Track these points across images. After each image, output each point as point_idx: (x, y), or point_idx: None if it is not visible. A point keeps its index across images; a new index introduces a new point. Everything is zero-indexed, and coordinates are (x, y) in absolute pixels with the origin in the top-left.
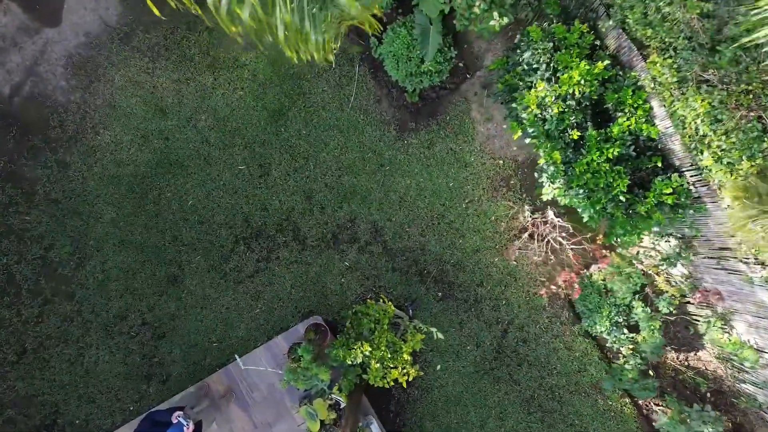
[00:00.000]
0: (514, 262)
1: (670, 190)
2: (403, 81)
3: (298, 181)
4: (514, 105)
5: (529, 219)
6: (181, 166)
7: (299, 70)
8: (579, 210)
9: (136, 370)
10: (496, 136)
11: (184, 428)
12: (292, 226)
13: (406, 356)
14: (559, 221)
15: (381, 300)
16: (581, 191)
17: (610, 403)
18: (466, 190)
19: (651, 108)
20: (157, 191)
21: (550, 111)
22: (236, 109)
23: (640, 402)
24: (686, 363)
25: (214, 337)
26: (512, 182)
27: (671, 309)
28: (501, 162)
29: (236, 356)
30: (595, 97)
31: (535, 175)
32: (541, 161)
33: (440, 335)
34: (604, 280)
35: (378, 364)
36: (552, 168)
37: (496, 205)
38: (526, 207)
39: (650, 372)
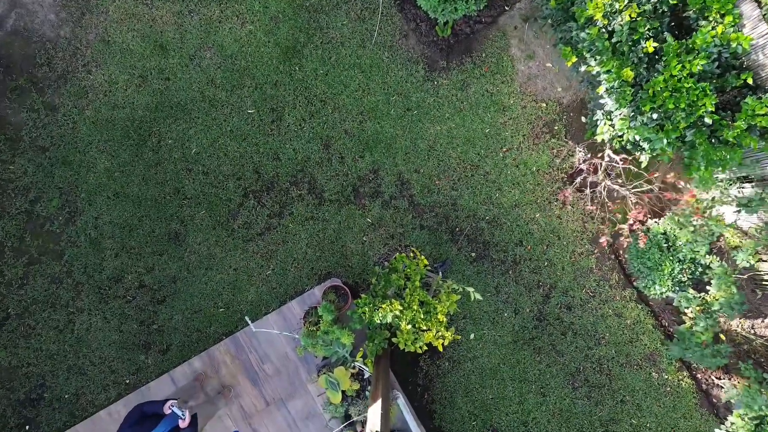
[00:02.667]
0: (559, 218)
1: (764, 111)
2: (434, 11)
3: (314, 127)
4: (570, 24)
5: (583, 162)
6: (183, 109)
7: (316, 2)
8: (646, 144)
9: (132, 339)
10: (538, 76)
11: (180, 421)
12: (308, 177)
13: (441, 317)
14: (620, 162)
15: (411, 254)
16: (654, 118)
17: (666, 376)
18: (504, 138)
19: (741, 15)
20: (157, 138)
21: (619, 20)
22: (245, 46)
23: (698, 376)
24: (752, 331)
25: (220, 302)
26: (556, 128)
27: (752, 262)
28: (544, 105)
29: (246, 318)
30: (674, 1)
31: (583, 119)
32: (600, 89)
33: (478, 296)
34: (664, 233)
35: (409, 326)
36: (617, 94)
37: (538, 154)
38: (578, 149)
39: (721, 336)
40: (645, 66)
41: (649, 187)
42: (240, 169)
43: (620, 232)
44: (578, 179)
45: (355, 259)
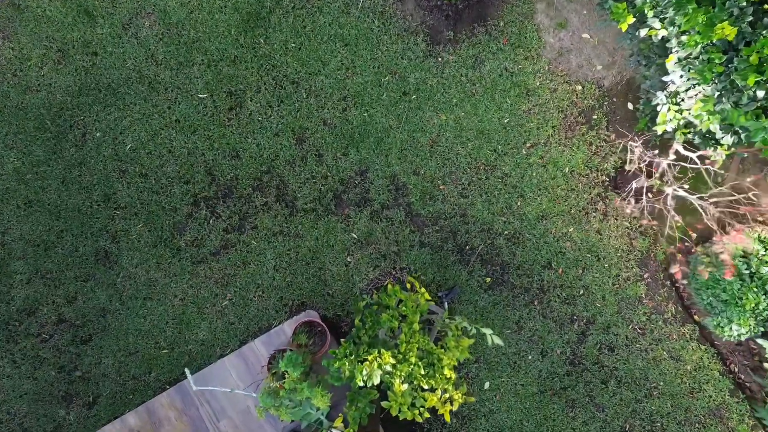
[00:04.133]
0: (598, 234)
1: None
2: None
3: (284, 116)
4: None
5: (638, 161)
6: (115, 93)
7: None
8: (729, 137)
9: (49, 389)
10: (571, 51)
11: None
12: (276, 181)
13: (448, 372)
14: (697, 162)
15: (409, 286)
16: (760, 96)
17: None
18: (528, 130)
19: None
20: (81, 129)
21: None
22: (195, 11)
23: None
24: None
25: (162, 341)
26: (595, 117)
27: None
28: (579, 88)
29: (186, 370)
30: None
31: (631, 106)
32: (671, 60)
33: (497, 340)
34: (745, 255)
35: (405, 385)
36: (700, 64)
37: (571, 151)
38: (633, 144)
39: None
40: (749, 20)
41: (738, 195)
42: (188, 171)
43: (680, 251)
44: (629, 183)
45: (336, 286)
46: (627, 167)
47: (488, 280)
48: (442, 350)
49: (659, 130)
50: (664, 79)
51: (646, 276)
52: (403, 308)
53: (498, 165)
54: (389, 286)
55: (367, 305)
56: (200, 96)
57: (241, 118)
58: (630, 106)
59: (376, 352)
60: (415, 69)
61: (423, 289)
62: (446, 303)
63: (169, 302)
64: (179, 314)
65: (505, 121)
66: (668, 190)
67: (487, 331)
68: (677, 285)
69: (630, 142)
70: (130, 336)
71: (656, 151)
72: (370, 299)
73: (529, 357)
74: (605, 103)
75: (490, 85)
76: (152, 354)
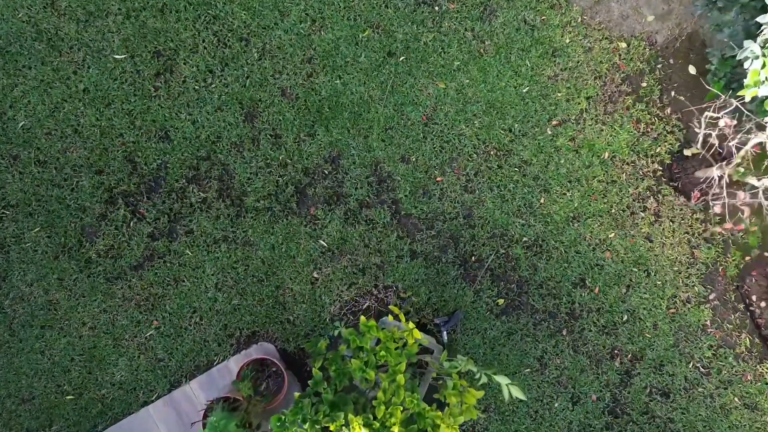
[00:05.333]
0: (647, 241)
1: None
2: None
3: (229, 84)
4: None
5: (715, 139)
6: (2, 53)
7: None
8: None
9: None
10: None
11: None
12: (219, 170)
13: None
14: None
15: (390, 318)
16: None
17: None
18: (555, 102)
19: None
20: None
21: None
22: None
23: None
24: None
25: (66, 384)
26: (644, 85)
27: None
28: (623, 45)
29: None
30: None
31: (693, 70)
32: None
33: (518, 393)
34: None
35: None
36: None
37: (612, 131)
38: (705, 118)
39: None
40: None
41: None
42: (101, 157)
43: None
44: (691, 173)
45: (299, 311)
46: (688, 152)
47: (501, 302)
48: (439, 412)
49: (747, 95)
50: (759, 20)
51: (712, 297)
52: (383, 353)
53: (514, 149)
54: (362, 320)
55: (332, 345)
56: (117, 57)
57: (171, 87)
58: (692, 69)
59: (342, 417)
60: (403, 21)
61: (411, 324)
62: (445, 334)
63: (75, 332)
64: (89, 348)
65: (524, 90)
66: (760, 182)
67: (503, 380)
68: (753, 309)
69: (699, 118)
70: (23, 377)
71: (734, 124)
72: (334, 335)
73: (556, 405)
74: (658, 65)
75: (504, 43)
76: (53, 401)
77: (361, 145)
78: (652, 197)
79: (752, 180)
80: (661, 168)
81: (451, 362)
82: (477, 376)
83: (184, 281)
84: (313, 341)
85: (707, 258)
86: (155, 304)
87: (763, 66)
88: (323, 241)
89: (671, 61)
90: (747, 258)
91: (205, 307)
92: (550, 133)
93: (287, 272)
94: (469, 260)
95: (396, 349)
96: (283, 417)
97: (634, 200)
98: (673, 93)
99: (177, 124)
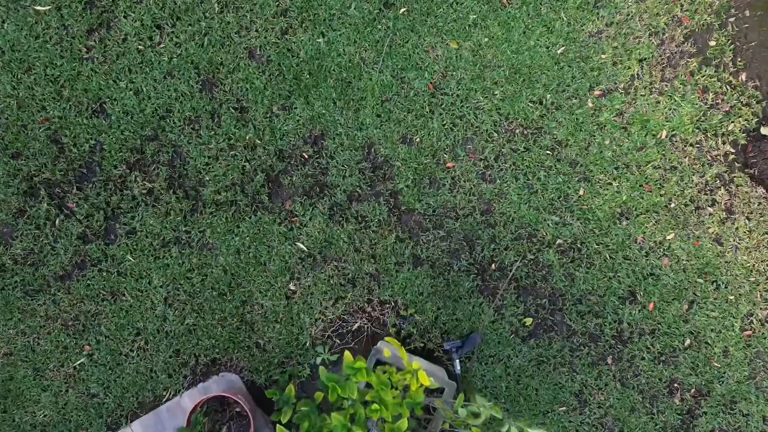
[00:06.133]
0: (716, 243)
1: None
2: None
3: (182, 43)
4: None
5: None
6: None
7: None
8: None
9: None
10: None
11: None
12: (169, 153)
13: None
14: None
15: (387, 353)
16: None
17: None
18: (598, 66)
19: None
20: None
21: None
22: None
23: None
24: None
25: None
26: (713, 44)
27: None
28: None
29: None
30: None
31: None
32: None
33: None
34: None
35: None
36: None
37: (672, 102)
38: None
39: None
40: None
41: None
42: (19, 136)
43: None
44: None
45: (271, 333)
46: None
47: (529, 321)
48: None
49: None
50: None
51: None
52: (376, 407)
53: (545, 127)
54: (347, 359)
55: (312, 378)
56: (39, 9)
57: (108, 48)
58: None
59: None
60: None
61: (416, 364)
62: (458, 363)
63: None
64: (4, 380)
65: (559, 51)
66: None
67: None
68: None
69: None
70: None
71: None
72: (316, 363)
73: None
74: (730, 19)
75: None
76: None
77: (351, 122)
78: (722, 188)
79: None
80: (733, 150)
81: (468, 407)
82: (505, 430)
83: (124, 295)
84: (282, 380)
85: None
86: (87, 325)
87: None
88: (302, 243)
89: (747, 13)
90: None
91: (151, 328)
92: (591, 105)
93: (256, 284)
94: (488, 268)
95: (395, 398)
96: None
97: (699, 192)
98: (749, 54)
99: (115, 94)
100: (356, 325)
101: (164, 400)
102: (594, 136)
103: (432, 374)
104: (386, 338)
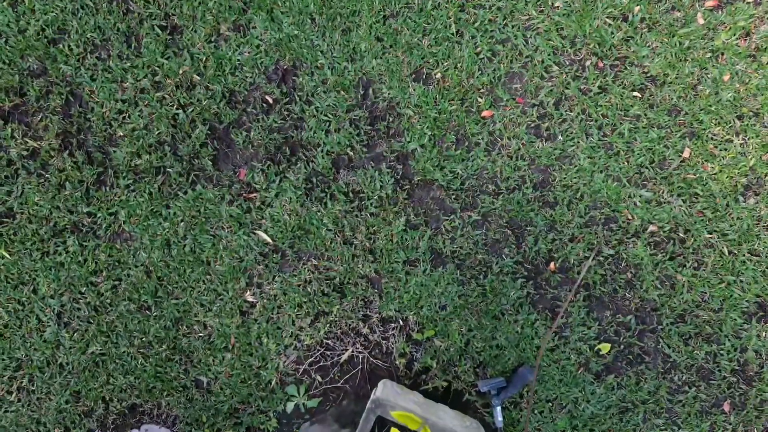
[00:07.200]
0: None
1: None
2: None
3: None
4: None
5: None
6: None
7: None
8: None
9: None
10: None
11: None
12: (62, 95)
13: None
14: None
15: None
16: None
17: None
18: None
19: None
20: None
21: None
22: None
23: None
24: None
25: None
26: None
27: None
28: None
29: None
30: None
31: None
32: None
33: None
34: None
35: None
36: None
37: None
38: None
39: None
40: None
41: None
42: None
43: None
44: None
45: (218, 365)
46: None
47: (606, 349)
48: None
49: None
50: None
51: None
52: None
53: (631, 56)
54: None
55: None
56: None
57: None
58: None
59: None
60: None
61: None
62: (500, 412)
63: None
64: None
65: None
66: None
67: None
68: None
69: None
70: None
71: None
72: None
73: None
74: None
75: None
76: None
77: (337, 48)
78: None
79: None
80: None
81: None
82: None
83: (8, 321)
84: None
85: None
86: None
87: None
88: (264, 232)
89: None
90: None
91: (37, 359)
92: (702, 22)
93: (195, 292)
94: (544, 270)
95: None
96: None
97: None
98: None
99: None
100: (346, 353)
101: None
102: (706, 69)
103: (459, 429)
104: (394, 413)
